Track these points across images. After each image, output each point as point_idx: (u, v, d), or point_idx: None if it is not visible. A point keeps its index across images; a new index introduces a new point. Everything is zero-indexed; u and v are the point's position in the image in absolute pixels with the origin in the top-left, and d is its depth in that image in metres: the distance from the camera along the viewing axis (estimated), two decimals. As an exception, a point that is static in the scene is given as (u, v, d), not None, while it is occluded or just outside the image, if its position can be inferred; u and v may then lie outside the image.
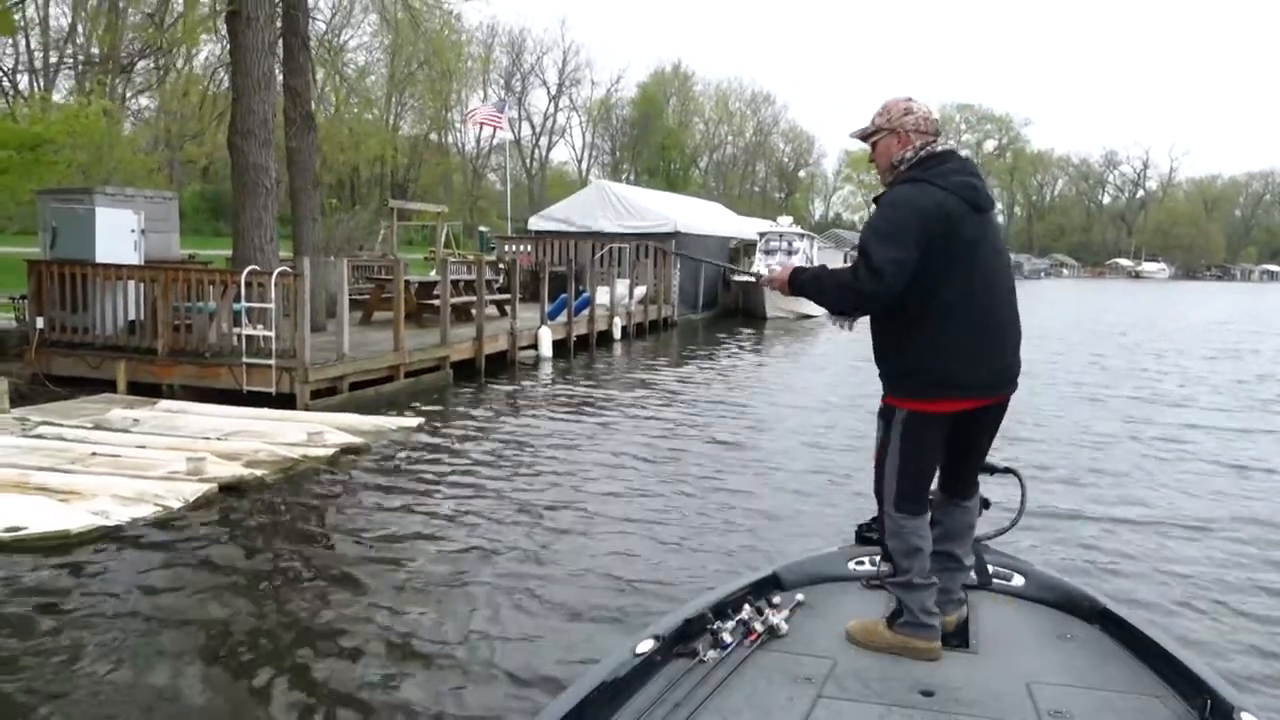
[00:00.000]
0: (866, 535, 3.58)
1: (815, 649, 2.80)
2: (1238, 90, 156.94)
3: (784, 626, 2.87)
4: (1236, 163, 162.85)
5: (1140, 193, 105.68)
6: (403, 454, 8.74)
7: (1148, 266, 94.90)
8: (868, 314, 2.98)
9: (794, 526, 6.66)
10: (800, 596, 3.10)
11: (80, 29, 38.42)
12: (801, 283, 3.00)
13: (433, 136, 58.86)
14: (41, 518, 6.11)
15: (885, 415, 2.99)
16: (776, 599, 3.05)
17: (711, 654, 2.68)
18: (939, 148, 2.97)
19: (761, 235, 29.44)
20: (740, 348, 20.32)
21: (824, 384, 14.32)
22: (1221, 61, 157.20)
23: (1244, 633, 4.99)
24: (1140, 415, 11.88)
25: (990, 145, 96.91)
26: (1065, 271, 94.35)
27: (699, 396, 12.98)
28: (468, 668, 4.39)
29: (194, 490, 6.92)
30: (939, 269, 2.79)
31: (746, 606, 2.93)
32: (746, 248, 30.13)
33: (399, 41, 46.36)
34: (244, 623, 4.88)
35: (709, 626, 2.81)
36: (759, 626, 2.83)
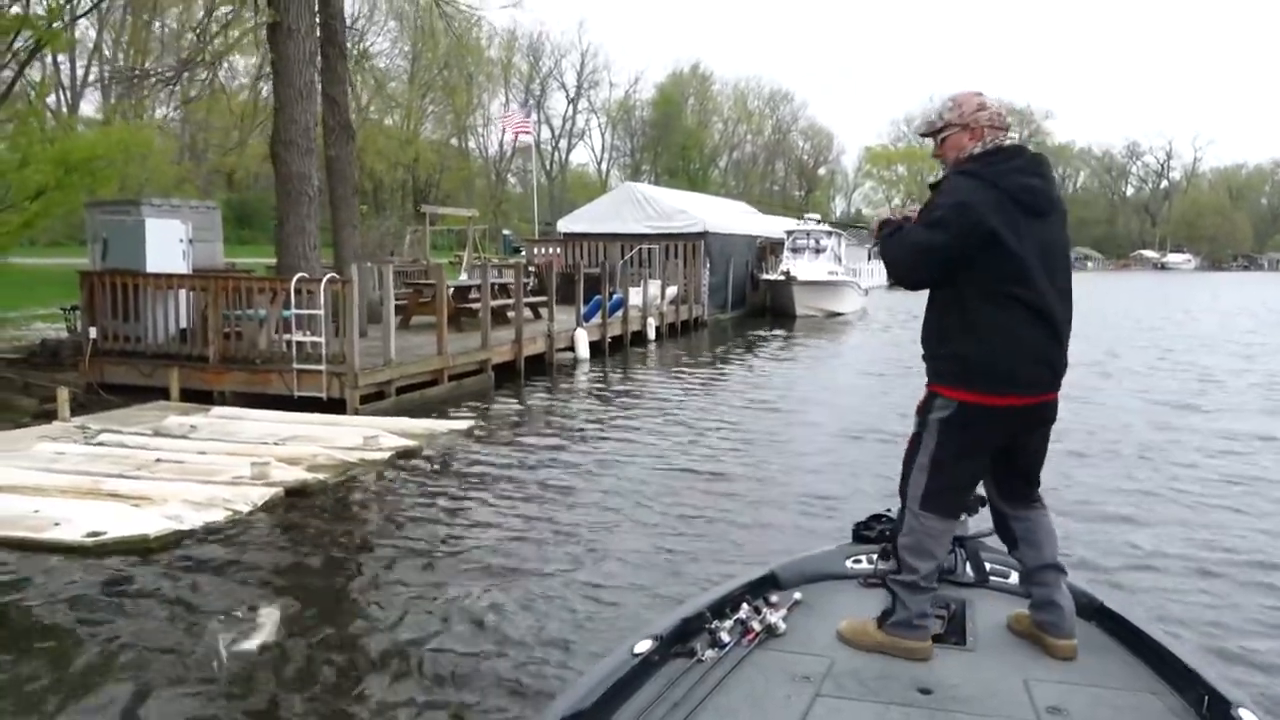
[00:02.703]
0: (863, 534, 3.58)
1: (813, 648, 2.80)
2: (1262, 78, 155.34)
3: (782, 625, 2.86)
4: (1262, 151, 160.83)
5: (1164, 183, 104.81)
6: (456, 457, 8.85)
7: (1173, 258, 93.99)
8: (916, 274, 2.96)
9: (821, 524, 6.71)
10: (798, 595, 3.09)
11: (107, 44, 38.96)
12: (884, 233, 3.06)
13: (453, 141, 59.20)
14: (119, 523, 6.24)
15: (923, 410, 2.95)
16: (774, 598, 3.04)
17: (709, 653, 2.68)
18: (1006, 142, 2.94)
19: (789, 234, 29.44)
20: (770, 347, 20.35)
21: (850, 384, 14.36)
22: (1245, 49, 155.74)
23: (1242, 628, 5.00)
24: (1157, 418, 11.53)
25: (1011, 138, 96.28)
26: (1089, 264, 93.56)
27: (733, 395, 13.08)
28: (535, 660, 4.51)
29: (261, 494, 7.05)
30: (990, 264, 2.78)
31: (744, 605, 2.92)
32: (773, 246, 30.14)
33: (420, 47, 46.77)
34: (327, 620, 4.99)
35: (707, 626, 2.81)
36: (757, 625, 2.82)
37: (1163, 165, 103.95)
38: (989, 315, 2.81)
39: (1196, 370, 16.02)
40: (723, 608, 2.94)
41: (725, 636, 2.74)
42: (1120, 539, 6.43)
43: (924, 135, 3.14)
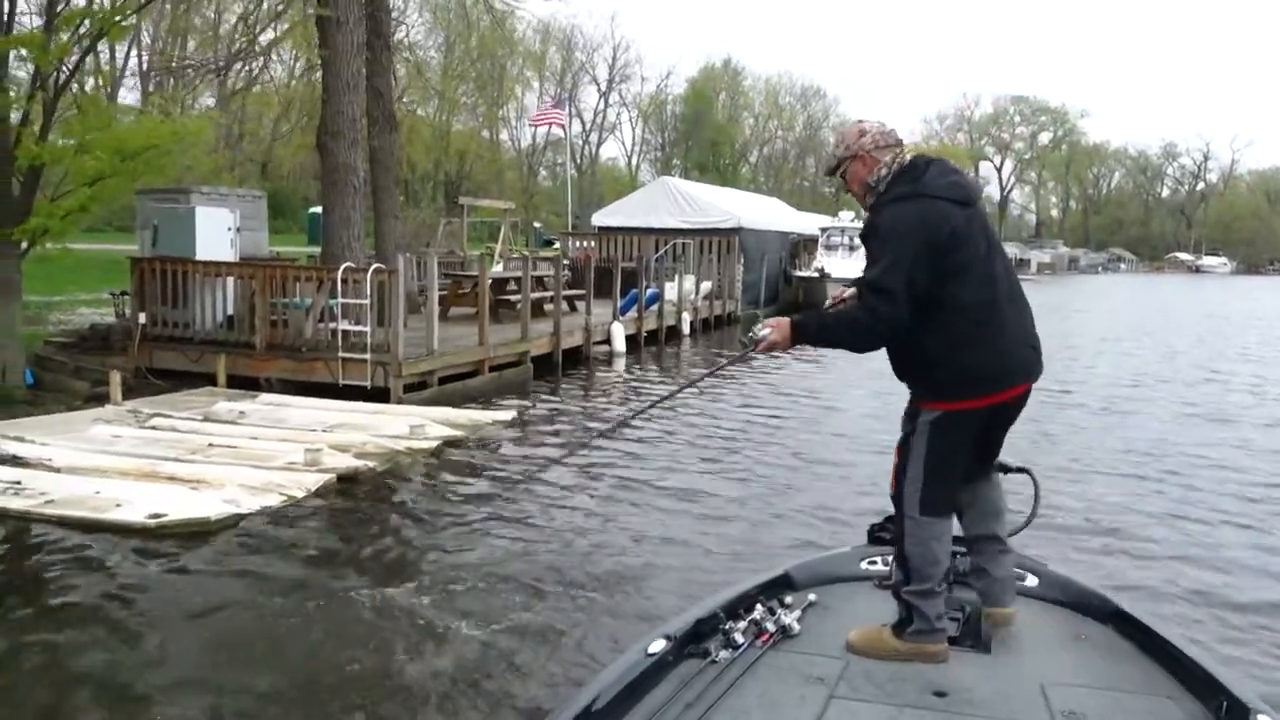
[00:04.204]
0: (878, 535, 3.55)
1: (827, 649, 2.77)
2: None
3: (796, 626, 2.84)
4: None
5: (1200, 185, 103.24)
6: (500, 447, 8.96)
7: (1208, 261, 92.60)
8: (888, 342, 2.88)
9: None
10: (812, 596, 3.08)
11: (147, 32, 39.35)
12: (808, 331, 2.87)
13: (484, 134, 59.32)
14: (180, 505, 6.37)
15: (911, 416, 2.92)
16: (788, 599, 3.01)
17: (723, 654, 2.66)
18: (908, 157, 2.93)
19: (823, 230, 29.38)
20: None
21: (876, 387, 14.26)
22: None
23: (1260, 634, 4.99)
24: (1166, 422, 11.36)
25: (1045, 138, 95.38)
26: (1123, 266, 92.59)
27: (763, 393, 13.11)
28: (590, 642, 4.63)
29: (315, 480, 7.16)
30: (952, 270, 2.76)
31: (758, 606, 2.90)
32: (806, 243, 30.07)
33: (454, 38, 46.96)
34: (384, 601, 5.09)
35: (721, 626, 2.79)
36: (771, 626, 2.80)
37: (1199, 167, 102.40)
38: (970, 325, 2.78)
39: (1238, 380, 15.82)
40: (737, 608, 2.93)
41: (739, 637, 2.73)
42: (1155, 557, 6.35)
43: (827, 175, 3.16)
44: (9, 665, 4.32)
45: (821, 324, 2.91)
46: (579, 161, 71.84)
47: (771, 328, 2.90)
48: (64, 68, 9.32)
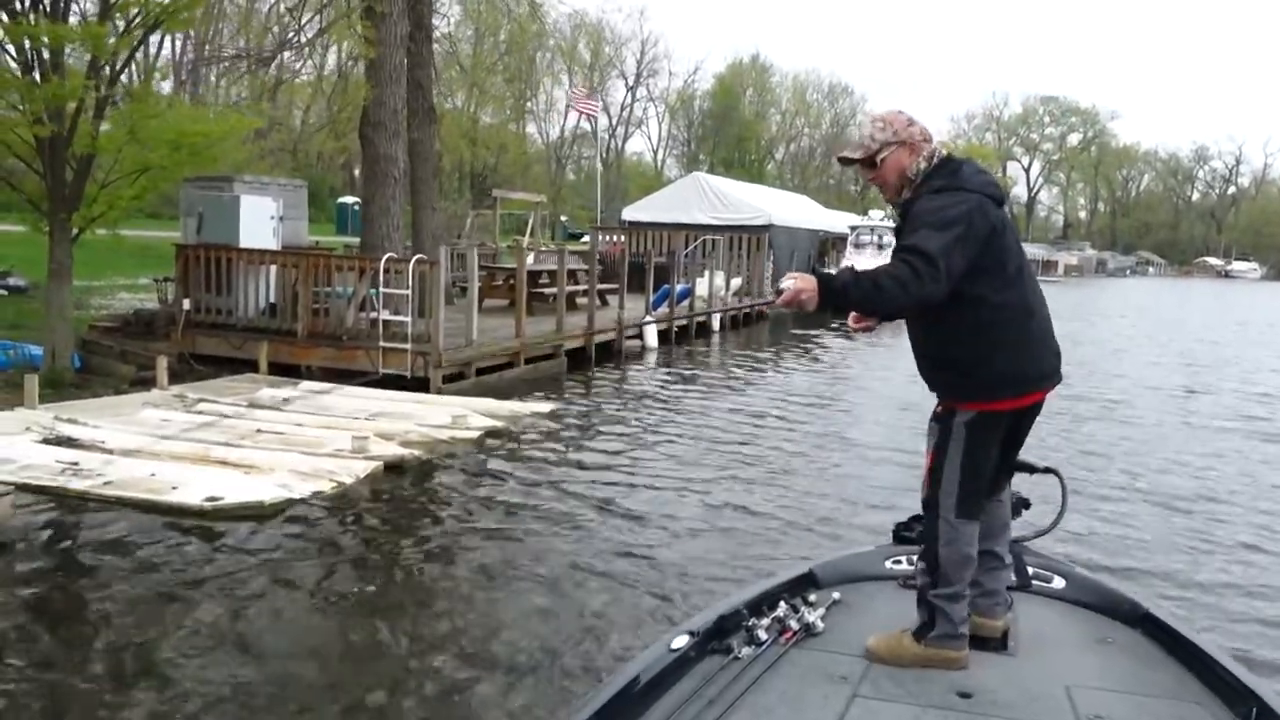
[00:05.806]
0: (903, 534, 3.52)
1: (851, 648, 2.75)
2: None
3: (820, 625, 2.81)
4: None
5: (1231, 189, 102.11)
6: (541, 437, 9.04)
7: (1238, 266, 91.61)
8: (920, 310, 2.76)
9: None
10: (836, 595, 3.04)
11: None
12: (841, 287, 2.61)
13: (511, 127, 59.43)
14: (235, 489, 6.49)
15: (943, 419, 2.85)
16: (812, 597, 2.99)
17: (746, 651, 2.64)
18: (944, 152, 2.89)
19: (852, 229, 29.33)
20: (829, 342, 20.31)
21: (903, 385, 14.28)
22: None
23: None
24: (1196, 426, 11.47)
25: (1075, 139, 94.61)
26: (1151, 269, 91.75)
27: (791, 390, 13.19)
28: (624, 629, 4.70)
29: (363, 468, 7.26)
30: (987, 268, 2.72)
31: (782, 604, 2.88)
32: (835, 241, 30.03)
33: (484, 30, 47.02)
34: (435, 585, 5.19)
35: (744, 623, 2.77)
36: (794, 624, 2.78)
37: (1231, 170, 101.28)
38: (1005, 325, 2.76)
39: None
40: (760, 606, 2.91)
41: (763, 634, 2.71)
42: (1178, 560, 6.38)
43: (854, 161, 2.92)
44: (74, 641, 4.44)
45: (857, 281, 2.66)
46: (605, 156, 71.89)
47: (796, 278, 2.70)
48: (118, 58, 9.45)
